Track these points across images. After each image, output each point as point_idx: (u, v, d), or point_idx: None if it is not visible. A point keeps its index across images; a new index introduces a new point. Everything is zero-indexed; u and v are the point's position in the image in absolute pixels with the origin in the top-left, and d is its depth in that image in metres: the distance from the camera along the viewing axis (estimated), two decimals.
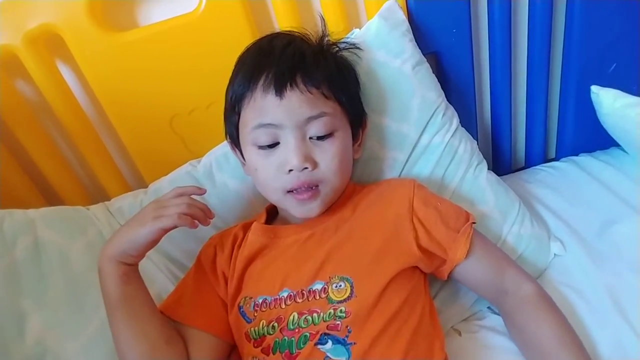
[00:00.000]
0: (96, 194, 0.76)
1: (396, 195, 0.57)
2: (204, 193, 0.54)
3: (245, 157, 0.57)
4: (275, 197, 0.56)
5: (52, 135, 0.73)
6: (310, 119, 0.52)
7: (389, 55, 0.64)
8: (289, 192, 0.54)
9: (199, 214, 0.51)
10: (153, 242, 0.50)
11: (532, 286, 0.54)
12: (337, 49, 0.60)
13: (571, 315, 0.56)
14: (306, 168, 0.52)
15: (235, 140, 0.59)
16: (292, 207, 0.55)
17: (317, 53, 0.56)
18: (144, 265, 0.60)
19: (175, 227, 0.49)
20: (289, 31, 0.58)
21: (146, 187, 0.71)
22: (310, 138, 0.53)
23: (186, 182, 0.67)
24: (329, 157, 0.53)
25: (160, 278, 0.63)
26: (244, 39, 0.67)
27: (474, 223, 0.57)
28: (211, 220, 0.53)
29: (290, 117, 0.52)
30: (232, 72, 0.58)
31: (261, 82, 0.52)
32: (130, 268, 0.51)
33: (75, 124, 0.70)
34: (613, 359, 0.51)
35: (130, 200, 0.68)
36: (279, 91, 0.51)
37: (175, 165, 0.70)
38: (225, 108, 0.59)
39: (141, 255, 0.51)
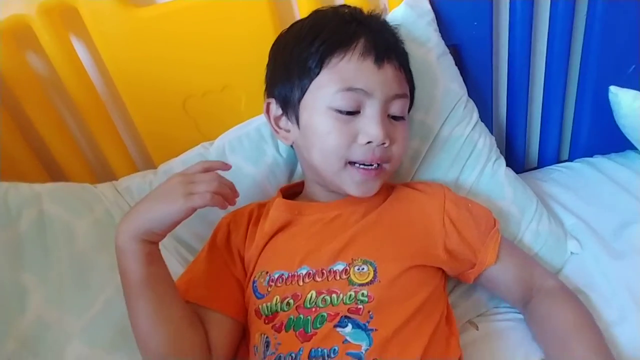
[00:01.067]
0: (102, 174, 0.74)
1: (428, 198, 0.56)
2: (229, 168, 0.51)
3: (306, 121, 0.53)
4: (337, 167, 0.51)
5: (61, 111, 0.71)
6: (397, 96, 0.52)
7: (415, 43, 0.64)
8: (352, 163, 0.51)
9: (229, 193, 0.48)
10: (181, 221, 0.47)
11: (555, 281, 0.54)
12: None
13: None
14: (384, 144, 0.51)
15: (288, 103, 0.54)
16: (352, 183, 0.52)
17: (402, 42, 0.57)
18: None
19: (205, 206, 0.46)
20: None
21: (154, 168, 0.69)
22: (388, 116, 0.52)
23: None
24: (401, 138, 0.53)
25: (169, 261, 0.59)
26: (264, 23, 0.66)
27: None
28: (237, 199, 0.50)
29: (383, 88, 0.51)
30: (296, 34, 0.54)
31: (360, 45, 0.51)
32: (154, 247, 0.48)
33: (86, 101, 0.68)
34: (633, 356, 0.50)
35: (139, 180, 0.66)
36: (380, 59, 0.51)
37: (186, 148, 0.68)
38: (286, 68, 0.54)
39: (166, 233, 0.48)
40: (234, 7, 0.65)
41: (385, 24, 0.56)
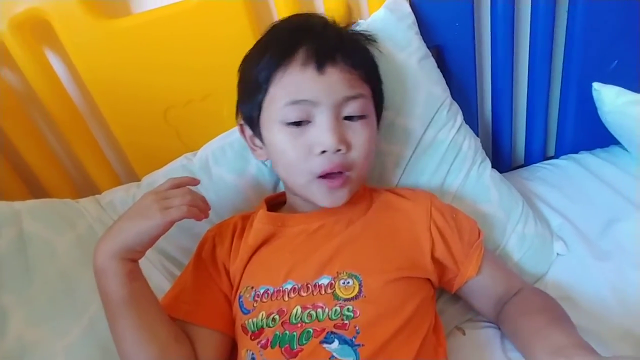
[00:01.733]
0: (86, 188, 0.73)
1: (414, 205, 0.56)
2: (198, 183, 0.53)
3: (267, 138, 0.53)
4: (302, 181, 0.52)
5: (40, 126, 0.70)
6: (348, 98, 0.50)
7: (395, 48, 0.63)
8: (319, 177, 0.51)
9: (202, 205, 0.49)
10: (159, 236, 0.48)
11: (532, 287, 0.54)
12: (362, 38, 0.59)
13: (575, 315, 0.55)
14: (339, 150, 0.49)
15: (252, 122, 0.55)
16: (320, 194, 0.51)
17: (354, 39, 0.55)
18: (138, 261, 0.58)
19: (182, 219, 0.47)
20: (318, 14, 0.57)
21: (138, 181, 0.68)
22: (344, 118, 0.51)
23: (181, 175, 0.63)
24: (361, 140, 0.51)
25: (155, 276, 0.60)
26: (243, 29, 0.65)
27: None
28: (209, 212, 0.51)
29: (328, 94, 0.49)
30: (256, 49, 0.55)
31: (300, 55, 0.50)
32: (135, 265, 0.48)
33: (63, 115, 0.66)
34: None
35: (122, 193, 0.65)
36: (321, 66, 0.49)
37: (169, 159, 0.68)
38: (244, 87, 0.56)
39: (146, 249, 0.48)
40: (211, 15, 0.64)
41: (327, 26, 0.54)
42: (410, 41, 0.64)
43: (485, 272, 0.54)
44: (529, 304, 0.51)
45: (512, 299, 0.53)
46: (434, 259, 0.52)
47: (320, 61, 0.49)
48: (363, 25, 0.64)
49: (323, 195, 0.51)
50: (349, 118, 0.51)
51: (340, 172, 0.50)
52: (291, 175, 0.53)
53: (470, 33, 0.72)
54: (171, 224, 0.47)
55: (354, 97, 0.50)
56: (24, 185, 0.70)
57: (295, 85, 0.50)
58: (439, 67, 0.68)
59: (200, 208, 0.49)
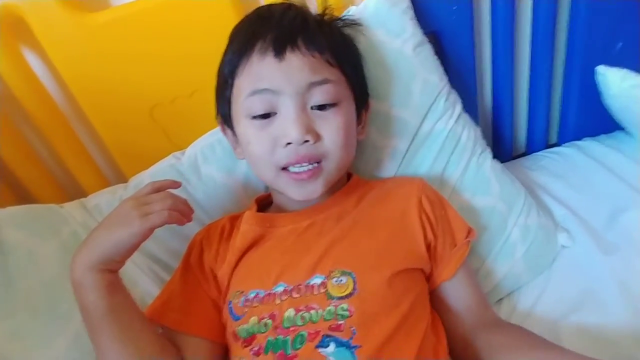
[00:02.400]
0: (72, 191, 0.71)
1: (404, 191, 0.53)
2: (179, 186, 0.50)
3: (237, 133, 0.52)
4: (269, 175, 0.50)
5: (21, 128, 0.67)
6: (313, 84, 0.47)
7: (389, 35, 0.60)
8: (284, 169, 0.49)
9: (184, 209, 0.47)
10: (139, 244, 0.45)
11: (508, 322, 0.51)
12: (341, 23, 0.56)
13: (581, 309, 0.54)
14: (307, 141, 0.47)
15: (227, 120, 0.54)
16: (289, 188, 0.50)
17: (320, 21, 0.52)
18: (126, 266, 0.55)
19: (164, 224, 0.45)
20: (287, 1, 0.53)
21: (126, 181, 0.65)
22: (312, 108, 0.48)
23: (170, 175, 0.62)
24: (333, 129, 0.48)
25: (143, 280, 0.58)
26: (229, 20, 0.61)
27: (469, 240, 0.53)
28: (193, 215, 0.49)
29: (289, 81, 0.47)
30: (227, 44, 0.53)
31: (259, 45, 0.48)
32: (114, 276, 0.46)
33: (44, 115, 0.64)
34: (626, 355, 0.49)
35: (108, 196, 0.62)
36: (279, 52, 0.46)
37: (157, 158, 0.65)
38: (218, 84, 0.54)
39: (125, 259, 0.46)
40: (196, 7, 0.61)
41: (288, 10, 0.50)
42: (405, 27, 0.61)
43: (460, 279, 0.51)
44: (520, 337, 0.47)
45: (494, 329, 0.49)
46: (427, 246, 0.50)
47: (279, 47, 0.46)
48: (354, 11, 0.61)
49: (293, 189, 0.49)
50: (319, 107, 0.48)
51: (310, 163, 0.48)
52: (259, 169, 0.52)
53: (468, 17, 0.69)
54: (151, 230, 0.45)
55: (319, 83, 0.47)
56: (8, 190, 0.67)
57: (256, 74, 0.47)
58: (436, 53, 0.65)
59: (182, 212, 0.46)
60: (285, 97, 0.47)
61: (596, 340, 0.50)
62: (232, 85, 0.50)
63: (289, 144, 0.47)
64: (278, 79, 0.46)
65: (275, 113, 0.48)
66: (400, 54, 0.60)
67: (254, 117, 0.48)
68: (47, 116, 0.64)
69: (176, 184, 0.50)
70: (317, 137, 0.48)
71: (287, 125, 0.46)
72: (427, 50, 0.63)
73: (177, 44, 0.62)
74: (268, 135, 0.48)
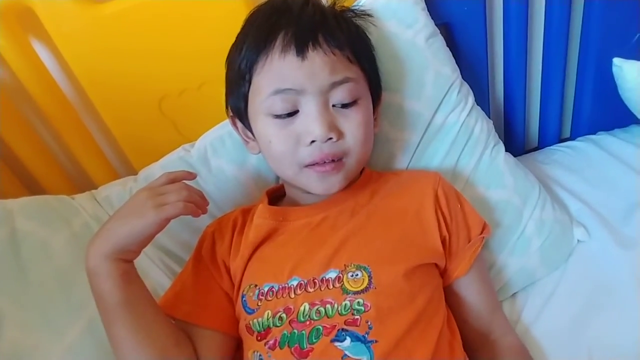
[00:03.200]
0: (82, 183, 0.71)
1: (419, 185, 0.53)
2: (195, 177, 0.50)
3: (255, 130, 0.51)
4: (291, 172, 0.50)
5: (31, 120, 0.67)
6: (335, 84, 0.47)
7: (401, 26, 0.59)
8: (307, 165, 0.48)
9: (199, 201, 0.47)
10: (155, 235, 0.45)
11: (516, 338, 0.51)
12: (352, 14, 0.55)
13: (597, 305, 0.53)
14: (330, 139, 0.47)
15: (241, 115, 0.53)
16: (311, 182, 0.49)
17: (338, 15, 0.51)
18: (136, 258, 0.56)
19: (179, 216, 0.45)
20: None
21: (135, 174, 0.65)
22: (334, 106, 0.48)
23: (179, 167, 0.61)
24: (354, 126, 0.48)
25: (154, 272, 0.58)
26: (238, 12, 0.60)
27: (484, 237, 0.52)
28: (207, 207, 0.49)
29: (312, 80, 0.46)
30: (237, 38, 0.52)
31: (279, 42, 0.47)
32: (130, 265, 0.46)
33: (54, 107, 0.64)
34: None
35: (119, 188, 0.62)
36: (301, 51, 0.46)
37: (166, 151, 0.65)
38: (230, 78, 0.53)
39: (141, 249, 0.46)
40: None
41: (306, 4, 0.49)
42: (417, 18, 0.60)
43: (474, 276, 0.50)
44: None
45: (500, 348, 0.49)
46: (442, 240, 0.49)
47: (301, 46, 0.46)
48: (365, 2, 0.60)
49: (315, 183, 0.49)
50: (341, 106, 0.48)
51: (333, 160, 0.48)
52: (280, 167, 0.51)
53: (481, 9, 0.68)
54: (167, 221, 0.45)
55: (340, 82, 0.47)
56: (18, 182, 0.67)
57: (277, 73, 0.47)
58: (447, 45, 0.64)
59: (197, 204, 0.46)
60: (308, 96, 0.46)
61: (613, 338, 0.49)
62: (249, 82, 0.49)
63: (312, 142, 0.47)
64: (301, 79, 0.46)
65: (297, 111, 0.47)
66: (413, 45, 0.59)
67: (276, 116, 0.48)
68: (57, 108, 0.64)
69: (191, 175, 0.49)
70: (340, 135, 0.48)
71: (311, 123, 0.46)
72: (440, 41, 0.62)
73: (186, 35, 0.62)
74: (290, 133, 0.47)
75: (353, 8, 0.56)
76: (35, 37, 0.61)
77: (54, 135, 0.69)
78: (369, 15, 0.57)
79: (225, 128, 0.63)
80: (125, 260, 0.45)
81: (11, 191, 0.65)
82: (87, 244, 0.48)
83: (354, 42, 0.50)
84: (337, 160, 0.48)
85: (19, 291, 0.49)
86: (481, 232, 0.52)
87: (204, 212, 0.47)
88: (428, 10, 0.63)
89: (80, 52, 0.60)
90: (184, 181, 0.48)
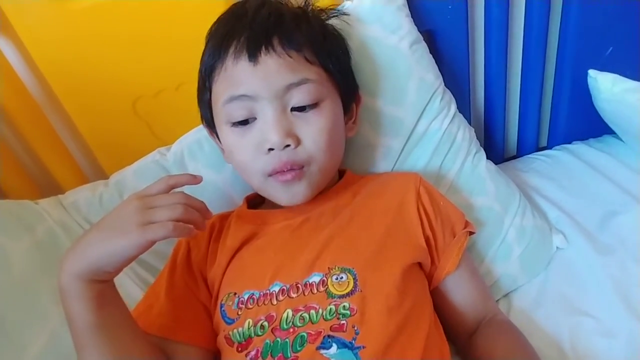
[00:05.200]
0: (47, 187, 0.67)
1: (401, 184, 0.52)
2: (200, 182, 0.43)
3: (220, 139, 0.50)
4: (257, 181, 0.49)
5: None
6: (291, 86, 0.45)
7: (385, 31, 0.58)
8: (270, 175, 0.47)
9: (197, 219, 0.40)
10: (136, 257, 0.39)
11: (503, 316, 0.51)
12: (324, 15, 0.54)
13: (577, 310, 0.53)
14: (288, 146, 0.45)
15: (210, 124, 0.52)
16: (276, 192, 0.48)
17: (299, 15, 0.49)
18: None
19: (167, 238, 0.38)
20: None
21: (105, 178, 0.62)
22: (292, 110, 0.46)
23: (154, 172, 0.59)
24: (314, 131, 0.46)
25: (125, 283, 0.55)
26: (218, 9, 0.58)
27: (472, 233, 0.52)
28: (207, 223, 0.44)
29: (266, 85, 0.45)
30: (205, 46, 0.50)
31: (232, 48, 0.45)
32: (105, 285, 0.40)
33: (18, 106, 0.60)
34: (624, 354, 0.48)
35: (87, 193, 0.59)
36: (253, 55, 0.44)
37: (140, 154, 0.62)
38: (198, 86, 0.52)
39: (120, 270, 0.40)
40: None
41: (262, 7, 0.47)
42: (401, 24, 0.59)
43: (463, 271, 0.49)
44: (498, 343, 0.47)
45: (485, 329, 0.48)
46: (426, 238, 0.48)
47: (252, 50, 0.45)
48: (349, 6, 0.59)
49: (279, 193, 0.48)
50: (299, 109, 0.46)
51: (292, 169, 0.46)
52: (246, 176, 0.50)
53: (463, 16, 0.68)
54: (151, 243, 0.38)
55: (297, 84, 0.46)
56: None
57: (231, 80, 0.46)
58: (430, 52, 0.64)
59: (194, 223, 0.39)
60: (264, 101, 0.45)
61: (592, 342, 0.50)
62: (210, 90, 0.49)
63: (270, 149, 0.45)
64: (254, 84, 0.45)
65: (255, 118, 0.46)
66: (397, 51, 0.59)
67: (234, 124, 0.47)
68: (21, 108, 0.60)
69: (195, 180, 0.43)
70: (298, 141, 0.46)
71: (267, 130, 0.45)
72: (423, 48, 0.62)
73: (162, 33, 0.60)
74: (249, 142, 0.47)
75: (328, 9, 0.55)
76: (1, 33, 0.58)
77: (17, 136, 0.64)
78: (344, 14, 0.56)
79: (203, 131, 0.60)
80: (101, 281, 0.40)
81: None
82: (55, 249, 0.45)
83: (314, 42, 0.48)
84: (298, 169, 0.46)
85: None
86: (464, 227, 0.51)
87: (202, 229, 0.41)
88: (412, 16, 0.63)
89: (48, 49, 0.57)
90: (181, 185, 0.43)
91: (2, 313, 0.46)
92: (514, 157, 0.85)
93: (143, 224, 0.38)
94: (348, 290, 0.43)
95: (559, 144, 0.82)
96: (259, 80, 0.45)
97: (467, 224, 0.52)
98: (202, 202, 0.42)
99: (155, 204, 0.39)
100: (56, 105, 0.63)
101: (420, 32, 0.63)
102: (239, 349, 0.43)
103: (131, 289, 0.54)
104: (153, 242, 0.38)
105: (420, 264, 0.49)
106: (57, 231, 0.54)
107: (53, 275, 0.48)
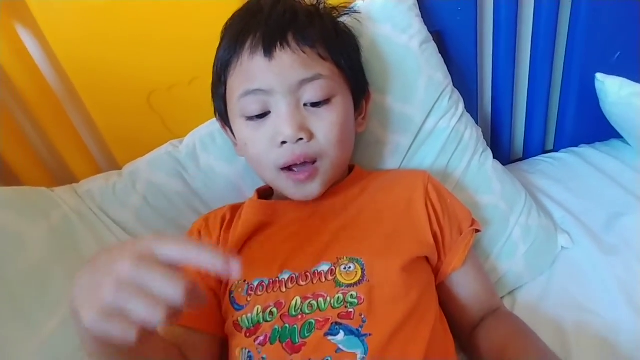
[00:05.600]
0: (63, 177, 0.68)
1: (409, 181, 0.53)
2: (206, 258, 0.31)
3: (234, 132, 0.52)
4: (270, 175, 0.50)
5: (11, 108, 0.64)
6: (304, 81, 0.46)
7: (395, 30, 0.60)
8: (283, 169, 0.48)
9: (179, 312, 0.29)
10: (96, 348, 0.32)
11: (508, 310, 0.52)
12: (336, 12, 0.55)
13: (582, 309, 0.54)
14: (301, 139, 0.46)
15: (224, 117, 0.53)
16: (288, 188, 0.49)
17: (312, 12, 0.51)
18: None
19: (126, 344, 0.29)
20: None
21: (119, 169, 0.63)
22: (305, 105, 0.47)
23: (166, 163, 0.61)
24: (327, 126, 0.47)
25: None
26: (230, 6, 0.60)
27: (478, 231, 0.53)
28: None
29: (281, 80, 0.46)
30: (220, 40, 0.52)
31: (248, 43, 0.47)
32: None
33: (38, 97, 0.62)
34: (630, 356, 0.48)
35: (101, 182, 0.60)
36: (268, 51, 0.46)
37: (153, 146, 0.63)
38: (213, 81, 0.53)
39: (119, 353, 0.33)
40: None
41: (277, 3, 0.49)
42: (411, 23, 0.61)
43: (469, 268, 0.50)
44: (500, 326, 0.48)
45: (499, 316, 0.49)
46: (433, 234, 0.49)
47: (268, 46, 0.46)
48: (361, 5, 0.61)
49: (292, 189, 0.49)
50: (313, 104, 0.47)
51: (305, 163, 0.47)
52: (259, 169, 0.51)
53: (472, 18, 0.69)
54: (104, 342, 0.30)
55: (310, 79, 0.47)
56: None
57: (246, 75, 0.47)
58: (439, 53, 0.65)
59: (175, 316, 0.29)
60: (278, 96, 0.46)
61: (596, 340, 0.50)
62: (225, 84, 0.50)
63: (283, 143, 0.46)
64: (269, 79, 0.46)
65: (269, 112, 0.47)
66: (407, 50, 0.60)
67: (249, 118, 0.48)
68: (41, 99, 0.62)
69: (190, 251, 0.30)
70: (311, 135, 0.47)
71: (281, 123, 0.46)
72: (433, 47, 0.63)
73: (177, 28, 0.61)
74: (263, 135, 0.47)
75: (339, 6, 0.56)
76: (22, 24, 0.59)
77: (35, 125, 0.66)
78: (356, 12, 0.57)
79: (215, 125, 0.62)
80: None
81: None
82: (70, 235, 0.45)
83: (327, 38, 0.49)
84: (310, 164, 0.48)
85: None
86: (471, 225, 0.52)
87: (176, 323, 0.32)
88: (422, 17, 0.64)
89: (68, 42, 0.59)
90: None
91: (19, 293, 0.47)
92: (520, 159, 0.85)
93: (103, 313, 0.28)
94: (356, 279, 0.44)
95: (565, 147, 0.83)
96: (274, 75, 0.46)
97: (473, 221, 0.53)
98: (197, 290, 0.30)
99: (144, 284, 0.28)
100: (74, 97, 0.64)
101: (430, 33, 0.65)
102: (247, 334, 0.44)
103: None
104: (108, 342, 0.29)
105: (427, 259, 0.50)
106: (71, 217, 0.55)
107: (67, 260, 0.50)
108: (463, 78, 0.72)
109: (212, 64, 0.53)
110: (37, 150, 0.67)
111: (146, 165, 0.61)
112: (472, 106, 0.75)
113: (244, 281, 0.47)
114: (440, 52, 0.65)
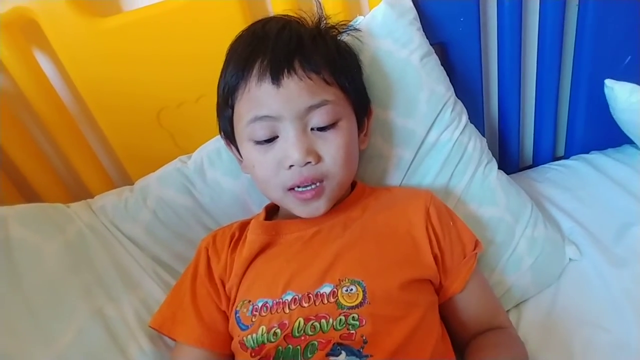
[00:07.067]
0: (78, 192, 0.71)
1: (411, 202, 0.53)
2: None
3: (242, 153, 0.53)
4: (276, 195, 0.51)
5: (30, 128, 0.68)
6: (311, 108, 0.48)
7: (396, 45, 0.60)
8: (290, 189, 0.49)
9: None
10: None
11: (511, 328, 0.51)
12: (336, 32, 0.56)
13: (590, 323, 0.53)
14: (309, 162, 0.48)
15: (230, 137, 0.55)
16: (295, 207, 0.51)
17: (316, 36, 0.51)
18: (129, 268, 0.56)
19: None
20: (284, 15, 0.53)
21: (131, 183, 0.66)
22: (312, 129, 0.49)
23: (175, 179, 0.63)
24: (333, 149, 0.49)
25: (146, 282, 0.57)
26: (236, 26, 0.62)
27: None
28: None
29: (289, 107, 0.47)
30: (224, 63, 0.53)
31: (255, 70, 0.48)
32: None
33: (54, 116, 0.65)
34: None
35: (114, 198, 0.62)
36: (276, 79, 0.47)
37: (163, 162, 0.65)
38: (218, 102, 0.55)
39: None
40: (204, 13, 0.62)
41: (283, 29, 0.49)
42: (412, 38, 0.61)
43: (471, 289, 0.50)
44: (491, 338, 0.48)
45: (501, 333, 0.49)
46: (434, 256, 0.50)
47: (275, 73, 0.47)
48: (361, 21, 0.62)
49: (299, 207, 0.50)
50: (319, 129, 0.49)
51: (313, 183, 0.49)
52: (266, 190, 0.53)
53: (476, 28, 0.69)
54: None
55: (317, 105, 0.48)
56: (15, 189, 0.68)
57: (255, 101, 0.48)
58: (442, 64, 0.65)
59: None
60: (286, 121, 0.47)
61: (604, 357, 0.50)
62: (232, 108, 0.51)
63: (291, 166, 0.48)
64: (277, 106, 0.47)
65: (277, 136, 0.49)
66: (407, 64, 0.60)
67: (257, 142, 0.49)
68: (57, 118, 0.65)
69: None
70: (319, 158, 0.48)
71: (289, 148, 0.47)
72: (434, 60, 0.63)
73: (185, 49, 0.63)
74: (271, 158, 0.49)
75: (339, 24, 0.57)
76: (38, 48, 0.63)
77: (52, 144, 0.69)
78: (356, 30, 0.58)
79: (221, 141, 0.63)
80: None
81: (8, 198, 0.65)
82: (84, 249, 0.47)
83: (332, 63, 0.50)
84: (317, 184, 0.49)
85: (9, 297, 0.49)
86: (474, 249, 0.52)
87: None
88: (424, 29, 0.64)
89: (81, 63, 0.62)
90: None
91: (35, 306, 0.50)
92: (530, 166, 0.84)
93: None
94: (357, 302, 0.45)
95: (576, 154, 0.81)
96: (282, 103, 0.47)
97: (477, 244, 0.53)
98: None
99: None
100: (88, 116, 0.67)
101: (433, 45, 0.65)
102: (253, 354, 0.46)
103: (154, 290, 0.57)
104: None
105: (430, 281, 0.50)
106: (85, 232, 0.58)
107: (81, 272, 0.52)
108: (468, 88, 0.72)
109: (217, 83, 0.55)
110: (55, 168, 0.70)
111: (156, 181, 0.63)
112: (478, 115, 0.74)
113: (249, 301, 0.49)
114: (444, 64, 0.66)
